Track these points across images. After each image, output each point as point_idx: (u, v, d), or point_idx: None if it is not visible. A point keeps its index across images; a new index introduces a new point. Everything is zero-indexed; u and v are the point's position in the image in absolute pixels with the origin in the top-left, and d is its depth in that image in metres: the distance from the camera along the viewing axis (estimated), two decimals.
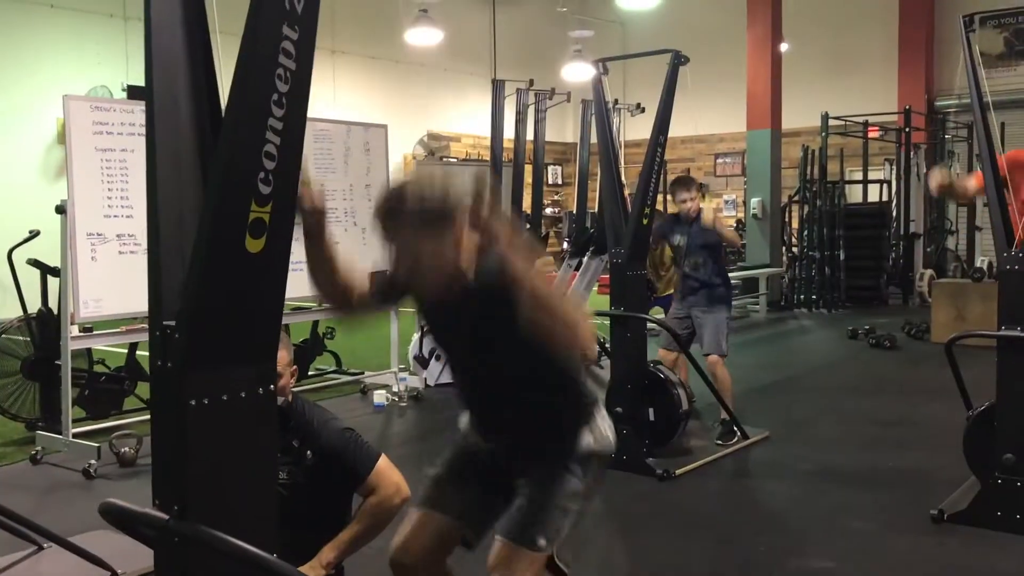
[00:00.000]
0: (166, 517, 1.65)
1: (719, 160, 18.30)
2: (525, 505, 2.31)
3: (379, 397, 6.56)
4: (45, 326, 5.61)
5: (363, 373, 7.17)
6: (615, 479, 4.77)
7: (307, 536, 2.79)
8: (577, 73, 14.51)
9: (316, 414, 2.85)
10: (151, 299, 1.70)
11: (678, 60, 4.89)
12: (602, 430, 2.42)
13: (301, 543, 2.77)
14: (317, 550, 2.74)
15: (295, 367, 2.88)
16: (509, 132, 7.64)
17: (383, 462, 2.82)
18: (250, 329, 1.71)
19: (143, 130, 1.84)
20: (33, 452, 5.23)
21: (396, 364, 6.90)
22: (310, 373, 7.25)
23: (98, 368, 5.86)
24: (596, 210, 8.34)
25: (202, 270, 1.61)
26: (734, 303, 11.93)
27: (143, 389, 5.82)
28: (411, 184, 2.13)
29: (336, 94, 14.17)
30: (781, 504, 4.51)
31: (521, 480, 2.35)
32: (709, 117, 17.38)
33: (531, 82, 7.59)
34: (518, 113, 7.56)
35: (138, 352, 5.76)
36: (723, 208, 18.24)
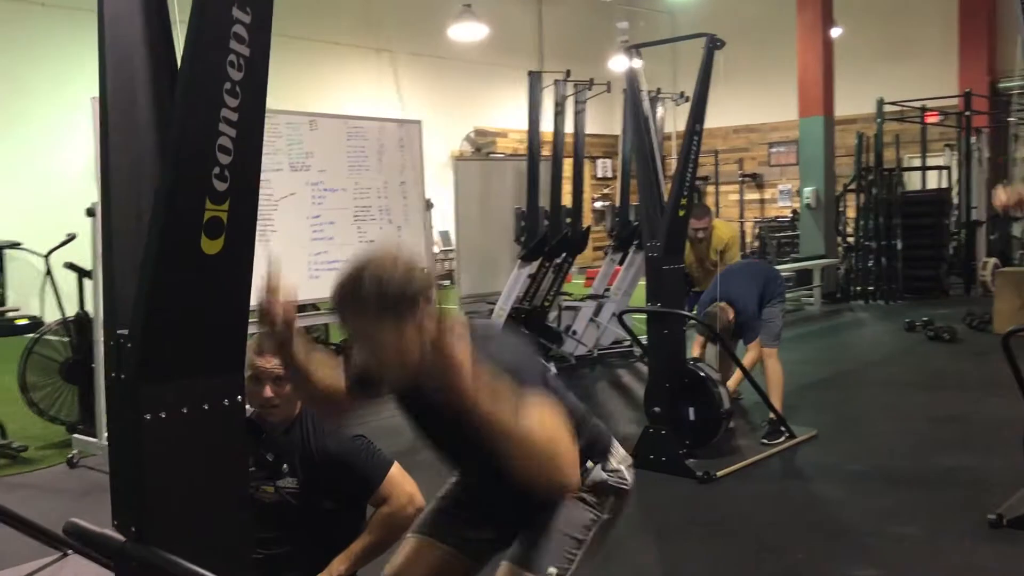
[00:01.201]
0: (122, 540, 1.54)
1: (773, 150, 17.92)
2: (535, 533, 2.18)
3: None
4: (83, 329, 5.63)
5: None
6: (653, 481, 4.61)
7: (319, 548, 2.68)
8: (624, 64, 14.29)
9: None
10: (105, 306, 1.59)
11: (713, 44, 4.69)
12: (615, 466, 2.28)
13: (313, 555, 2.66)
14: (329, 562, 2.63)
15: None
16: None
17: (396, 470, 2.70)
18: (211, 336, 1.59)
19: None
20: (70, 455, 5.24)
21: None
22: None
23: None
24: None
25: (153, 274, 1.50)
26: (788, 295, 11.73)
27: None
28: (370, 268, 1.92)
29: (381, 92, 14.16)
30: (826, 507, 4.30)
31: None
32: (762, 106, 17.03)
33: (568, 73, 7.43)
34: (557, 105, 7.41)
35: None
36: (777, 199, 17.88)
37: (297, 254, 5.83)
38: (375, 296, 1.88)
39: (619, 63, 15.46)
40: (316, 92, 13.08)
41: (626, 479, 2.29)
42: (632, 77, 4.95)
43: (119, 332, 1.55)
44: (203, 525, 1.59)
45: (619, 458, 2.31)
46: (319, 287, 6.06)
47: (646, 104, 4.98)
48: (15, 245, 10.39)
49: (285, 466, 2.20)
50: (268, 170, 5.68)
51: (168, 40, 1.68)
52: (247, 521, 1.67)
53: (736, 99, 16.55)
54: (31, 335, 5.98)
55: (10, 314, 10.34)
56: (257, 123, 1.57)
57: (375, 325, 1.90)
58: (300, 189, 5.86)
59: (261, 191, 5.80)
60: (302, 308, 6.33)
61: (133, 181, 1.63)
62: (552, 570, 2.11)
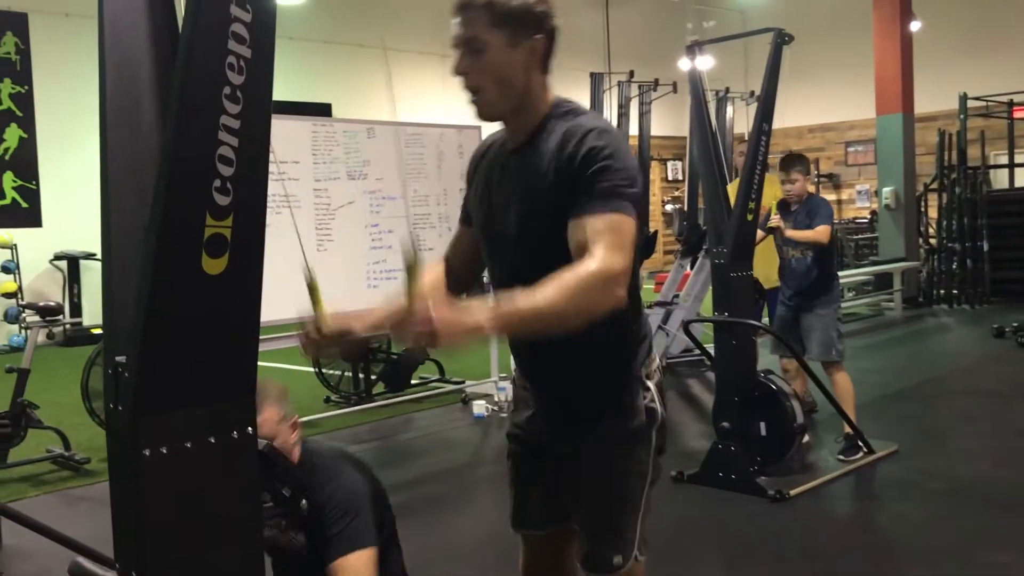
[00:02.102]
0: None
1: (850, 149, 17.37)
2: (593, 521, 2.10)
3: (479, 408, 6.34)
4: None
5: (464, 382, 6.97)
6: (722, 500, 4.40)
7: None
8: (687, 64, 13.99)
9: (329, 467, 2.50)
10: (104, 331, 1.48)
11: (781, 40, 4.46)
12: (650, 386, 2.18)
13: None
14: None
15: (295, 418, 2.50)
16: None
17: (362, 557, 2.37)
18: (216, 363, 1.46)
19: None
20: None
21: (496, 373, 6.66)
22: (413, 382, 7.11)
23: None
24: None
25: (150, 296, 1.38)
26: (865, 300, 11.30)
27: None
28: None
29: (447, 98, 14.08)
30: (907, 530, 4.02)
31: (582, 451, 2.11)
32: (838, 104, 16.52)
33: (631, 73, 7.23)
34: (620, 107, 7.23)
35: None
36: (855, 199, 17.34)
37: (355, 264, 5.76)
38: (498, 3, 1.87)
39: (687, 63, 15.20)
40: (383, 100, 13.12)
41: (656, 404, 2.17)
42: (694, 76, 4.74)
43: (117, 359, 1.44)
44: (209, 569, 1.47)
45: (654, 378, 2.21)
46: (378, 297, 5.99)
47: (710, 104, 4.76)
48: (90, 256, 10.60)
49: (304, 502, 2.05)
50: (325, 179, 5.61)
51: (173, 37, 1.57)
52: (260, 564, 1.54)
53: (811, 97, 16.08)
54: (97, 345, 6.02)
55: (86, 323, 10.55)
56: (262, 131, 1.44)
57: (489, 34, 1.88)
58: (358, 198, 5.79)
59: (318, 200, 5.71)
60: None
61: (134, 191, 1.51)
62: (617, 560, 2.07)
